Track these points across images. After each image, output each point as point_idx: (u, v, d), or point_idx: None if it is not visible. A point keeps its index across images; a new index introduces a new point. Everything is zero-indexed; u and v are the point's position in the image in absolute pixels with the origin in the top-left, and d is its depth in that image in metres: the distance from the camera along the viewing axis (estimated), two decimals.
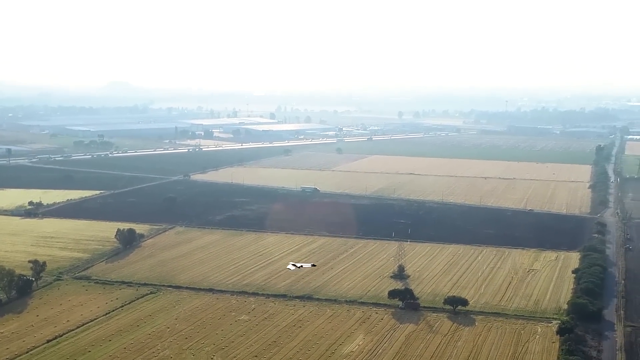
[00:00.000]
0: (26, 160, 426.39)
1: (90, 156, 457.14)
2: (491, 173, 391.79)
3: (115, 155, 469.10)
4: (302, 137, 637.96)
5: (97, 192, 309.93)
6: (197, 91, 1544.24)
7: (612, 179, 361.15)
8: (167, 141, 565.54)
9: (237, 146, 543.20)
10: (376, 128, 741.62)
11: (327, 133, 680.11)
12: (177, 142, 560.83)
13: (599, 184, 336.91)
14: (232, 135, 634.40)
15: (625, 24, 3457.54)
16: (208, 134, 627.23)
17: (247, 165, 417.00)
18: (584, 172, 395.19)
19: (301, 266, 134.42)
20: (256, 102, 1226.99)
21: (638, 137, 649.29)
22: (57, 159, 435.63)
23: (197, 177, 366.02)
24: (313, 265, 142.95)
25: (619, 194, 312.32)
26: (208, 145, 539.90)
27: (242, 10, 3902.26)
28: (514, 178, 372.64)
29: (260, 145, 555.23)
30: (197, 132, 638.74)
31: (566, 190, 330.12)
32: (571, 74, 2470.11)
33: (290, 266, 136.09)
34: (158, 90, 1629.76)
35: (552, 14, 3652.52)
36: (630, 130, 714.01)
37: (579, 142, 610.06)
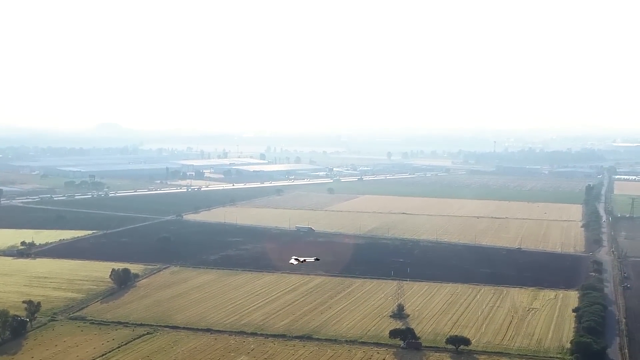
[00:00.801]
0: (17, 201, 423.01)
1: (81, 196, 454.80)
2: (483, 212, 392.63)
3: (107, 195, 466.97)
4: (292, 177, 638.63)
5: (90, 232, 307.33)
6: (186, 133, 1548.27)
7: (604, 218, 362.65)
8: (159, 181, 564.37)
9: (229, 186, 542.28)
10: (366, 168, 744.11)
11: (317, 173, 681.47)
12: (169, 183, 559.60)
13: (591, 222, 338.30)
14: (223, 176, 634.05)
15: (604, 69, 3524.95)
16: (199, 175, 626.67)
17: (239, 205, 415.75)
18: (575, 211, 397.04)
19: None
20: (245, 143, 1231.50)
21: (626, 176, 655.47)
22: (48, 199, 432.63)
23: (190, 217, 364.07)
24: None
25: (612, 233, 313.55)
26: (200, 186, 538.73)
27: (229, 54, 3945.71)
28: (506, 217, 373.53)
29: (251, 185, 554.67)
30: (188, 173, 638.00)
31: (559, 229, 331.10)
32: (554, 117, 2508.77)
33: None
34: (147, 132, 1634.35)
35: (534, 59, 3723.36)
36: (617, 170, 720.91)
37: (568, 182, 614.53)
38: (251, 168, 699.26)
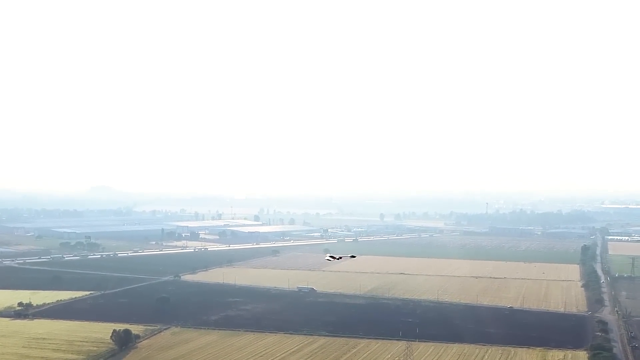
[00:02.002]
0: (12, 262, 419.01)
1: (77, 257, 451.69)
2: (481, 272, 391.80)
3: (103, 256, 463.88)
4: (288, 238, 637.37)
5: (87, 292, 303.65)
6: (178, 195, 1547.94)
7: (602, 278, 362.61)
8: (154, 242, 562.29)
9: (224, 247, 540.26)
10: (360, 230, 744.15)
11: (312, 234, 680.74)
12: (164, 244, 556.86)
13: (591, 282, 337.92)
14: (218, 237, 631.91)
15: (588, 134, 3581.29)
16: (194, 235, 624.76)
17: (236, 266, 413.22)
18: (573, 271, 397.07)
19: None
20: (238, 205, 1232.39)
21: (619, 237, 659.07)
22: (44, 260, 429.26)
23: (188, 277, 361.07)
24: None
25: (613, 293, 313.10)
26: (195, 247, 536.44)
27: (216, 121, 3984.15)
28: (504, 277, 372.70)
29: (247, 246, 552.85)
30: (183, 234, 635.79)
31: (559, 289, 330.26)
32: (541, 179, 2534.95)
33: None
34: (139, 194, 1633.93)
35: (518, 125, 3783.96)
36: (609, 231, 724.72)
37: (562, 242, 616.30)
38: (246, 229, 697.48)
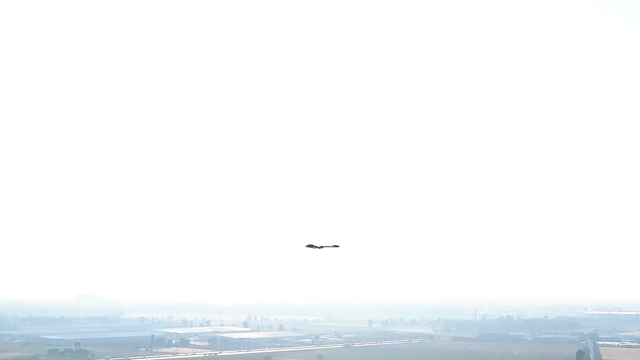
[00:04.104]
0: None
1: None
2: None
3: None
4: (278, 344, 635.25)
5: None
6: (165, 301, 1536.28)
7: None
8: (144, 349, 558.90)
9: (215, 353, 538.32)
10: (350, 336, 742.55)
11: (303, 341, 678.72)
12: (154, 350, 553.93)
13: None
14: (208, 343, 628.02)
15: (566, 242, 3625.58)
16: (184, 342, 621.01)
17: None
18: None
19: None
20: (224, 311, 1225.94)
21: (609, 342, 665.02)
22: None
23: None
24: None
25: None
26: (186, 353, 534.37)
27: (201, 229, 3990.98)
28: None
29: (238, 352, 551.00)
30: (173, 341, 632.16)
31: None
32: (523, 286, 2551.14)
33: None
34: (125, 301, 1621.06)
35: (494, 234, 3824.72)
36: (599, 336, 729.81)
37: (554, 348, 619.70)
38: (236, 335, 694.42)
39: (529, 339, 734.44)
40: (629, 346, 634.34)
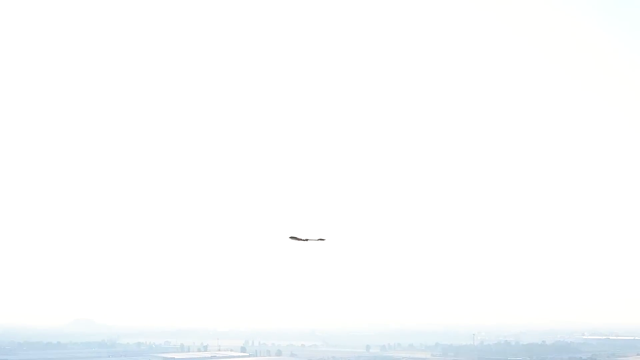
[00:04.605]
0: None
1: None
2: None
3: None
4: None
5: None
6: (162, 326, 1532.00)
7: None
8: None
9: None
10: None
11: None
12: None
13: None
14: None
15: (563, 265, 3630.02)
16: None
17: None
18: None
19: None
20: (222, 336, 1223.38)
21: None
22: None
23: None
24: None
25: None
26: None
27: (196, 255, 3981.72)
28: None
29: None
30: None
31: None
32: (518, 311, 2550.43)
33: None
34: (123, 326, 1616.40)
35: (491, 259, 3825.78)
36: None
37: None
38: None
39: None
40: None
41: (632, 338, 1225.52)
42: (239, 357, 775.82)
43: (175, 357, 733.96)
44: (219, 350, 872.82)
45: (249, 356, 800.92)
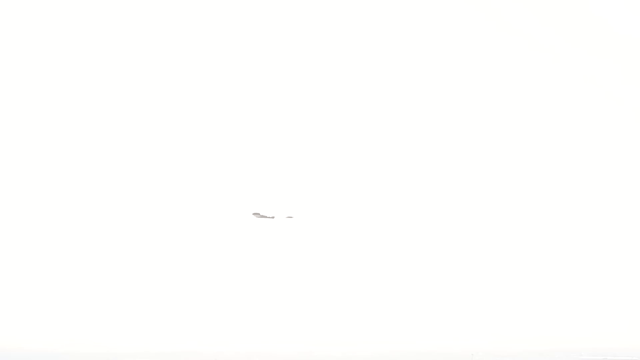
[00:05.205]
0: None
1: None
2: None
3: None
4: None
5: None
6: (159, 348, 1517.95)
7: None
8: None
9: None
10: None
11: None
12: None
13: None
14: None
15: (559, 285, 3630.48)
16: None
17: None
18: None
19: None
20: (220, 358, 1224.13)
21: None
22: None
23: None
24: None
25: None
26: None
27: (195, 278, 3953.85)
28: None
29: None
30: None
31: None
32: (513, 332, 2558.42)
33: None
34: (118, 348, 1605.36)
35: (489, 279, 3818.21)
36: None
37: None
38: None
39: None
40: None
41: (630, 359, 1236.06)
42: None
43: None
44: None
45: None
